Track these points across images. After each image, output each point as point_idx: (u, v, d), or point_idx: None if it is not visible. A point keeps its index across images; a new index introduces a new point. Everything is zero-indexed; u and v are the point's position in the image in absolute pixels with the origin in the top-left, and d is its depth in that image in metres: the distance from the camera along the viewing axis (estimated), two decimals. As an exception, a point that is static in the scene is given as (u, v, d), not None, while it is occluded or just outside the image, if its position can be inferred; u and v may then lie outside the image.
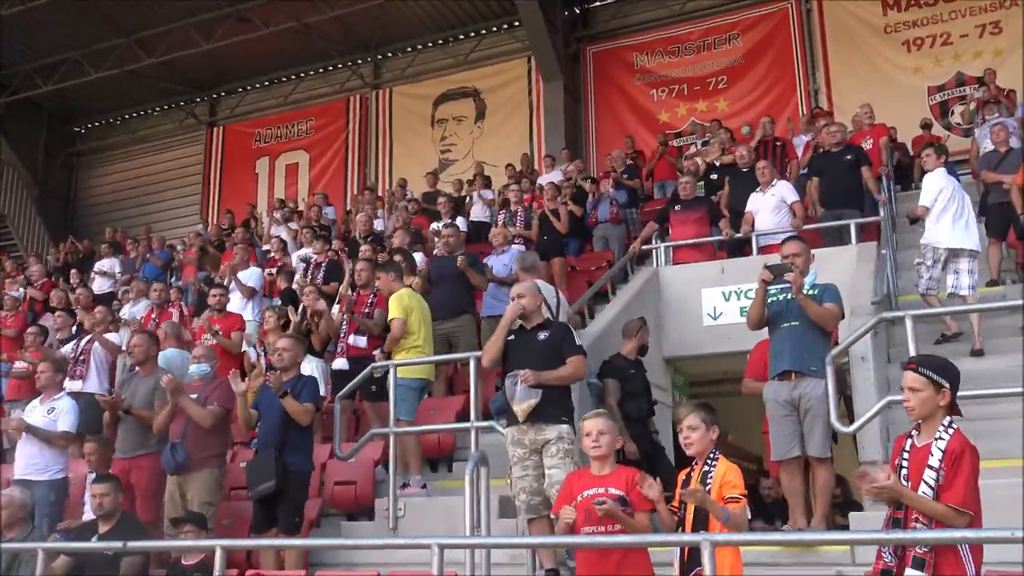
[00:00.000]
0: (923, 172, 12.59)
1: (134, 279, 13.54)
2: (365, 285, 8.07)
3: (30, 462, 6.97)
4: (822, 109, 12.44)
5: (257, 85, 20.94)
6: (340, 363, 7.76)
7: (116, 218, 21.05)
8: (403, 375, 6.79)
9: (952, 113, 14.91)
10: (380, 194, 16.20)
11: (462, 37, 18.94)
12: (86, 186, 22.65)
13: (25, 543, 6.02)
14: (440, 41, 19.11)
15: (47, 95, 20.78)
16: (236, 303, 10.11)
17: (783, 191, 8.69)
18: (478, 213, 13.62)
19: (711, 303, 8.80)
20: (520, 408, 5.38)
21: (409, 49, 19.47)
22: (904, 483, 3.52)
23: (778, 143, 11.41)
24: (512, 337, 5.76)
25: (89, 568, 5.80)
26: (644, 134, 16.50)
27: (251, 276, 10.26)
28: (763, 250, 8.87)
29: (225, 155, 21.04)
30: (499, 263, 8.99)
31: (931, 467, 3.50)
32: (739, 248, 9.50)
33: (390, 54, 19.76)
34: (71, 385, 8.55)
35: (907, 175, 12.41)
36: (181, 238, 17.06)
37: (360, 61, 19.88)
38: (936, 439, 3.55)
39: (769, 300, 5.59)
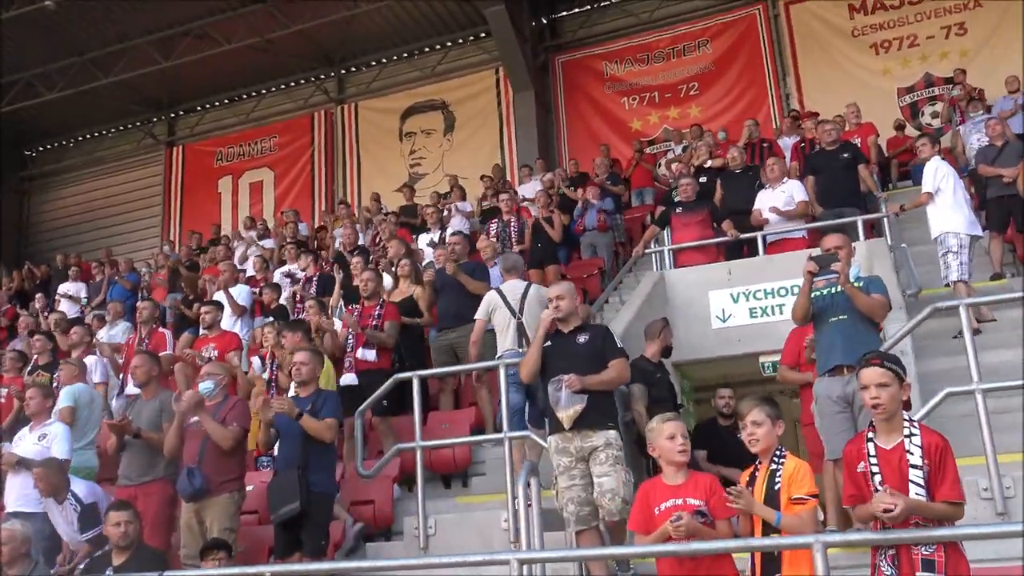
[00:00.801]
0: (900, 171, 12.98)
1: (109, 301, 13.13)
2: (371, 296, 7.79)
3: (22, 493, 6.55)
4: (806, 111, 12.46)
5: (217, 103, 20.49)
6: (349, 378, 7.46)
7: (72, 243, 20.41)
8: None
9: (922, 114, 15.09)
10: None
11: (428, 49, 18.76)
12: (39, 211, 21.93)
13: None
14: (406, 54, 18.93)
15: (-3, 116, 20.14)
16: (225, 322, 9.72)
17: (793, 189, 8.61)
18: (457, 225, 13.38)
19: (719, 305, 8.67)
20: (566, 415, 5.16)
21: (374, 63, 19.23)
22: (879, 488, 3.45)
23: (764, 144, 11.37)
24: (549, 343, 5.54)
25: (105, 604, 5.43)
26: (617, 142, 16.45)
27: (240, 293, 9.90)
28: (769, 248, 8.78)
29: (186, 175, 20.53)
30: (493, 275, 8.77)
31: (915, 466, 3.46)
32: (737, 249, 9.41)
33: (354, 68, 19.50)
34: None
35: (885, 175, 12.48)
36: (146, 260, 16.58)
37: (324, 76, 19.58)
38: (907, 436, 3.52)
39: (813, 295, 5.45)
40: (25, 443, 6.72)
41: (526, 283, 7.40)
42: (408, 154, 18.71)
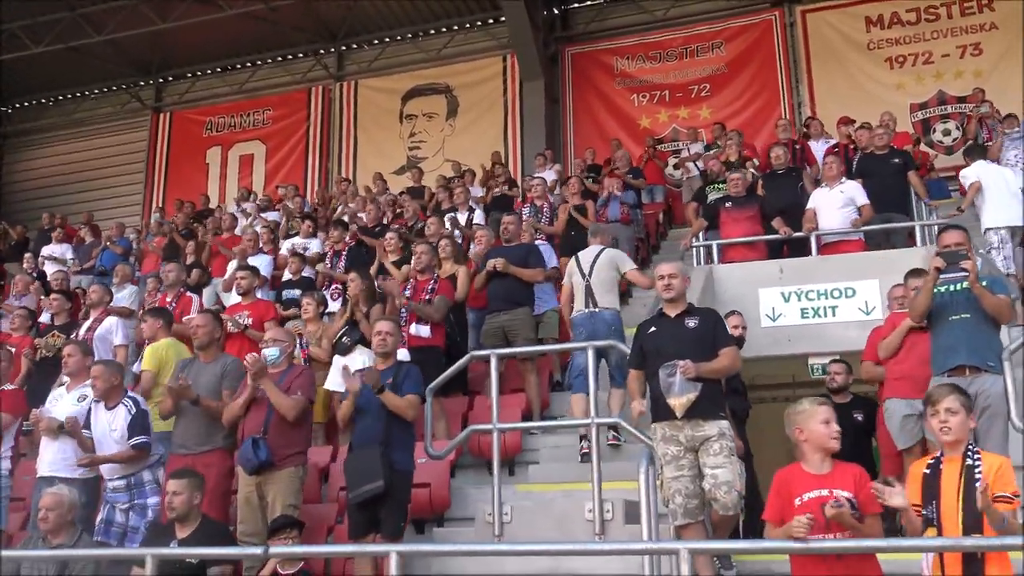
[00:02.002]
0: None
1: (99, 266, 12.61)
2: (424, 270, 7.45)
3: (58, 457, 6.10)
4: (842, 116, 12.37)
5: (209, 71, 19.82)
6: (401, 354, 7.08)
7: (47, 205, 19.48)
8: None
9: (933, 131, 15.15)
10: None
11: (433, 32, 18.36)
12: (13, 170, 21.02)
13: (93, 550, 5.23)
14: (410, 35, 18.47)
15: (-27, 68, 19.27)
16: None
17: (853, 191, 8.46)
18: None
19: (769, 304, 8.50)
20: (679, 402, 4.90)
21: (376, 41, 18.77)
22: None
23: (797, 146, 11.25)
24: (653, 329, 5.29)
25: (168, 579, 5.02)
26: (625, 138, 16.17)
27: (262, 264, 9.47)
28: (823, 249, 8.63)
29: (172, 143, 19.81)
30: (545, 251, 8.52)
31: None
32: (777, 248, 9.26)
33: (355, 45, 19.00)
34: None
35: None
36: (134, 227, 15.96)
37: (323, 51, 19.04)
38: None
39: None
40: (62, 404, 6.26)
41: (600, 247, 7.42)
42: (408, 136, 18.27)
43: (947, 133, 15.02)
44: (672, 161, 15.45)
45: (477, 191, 13.77)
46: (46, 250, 13.86)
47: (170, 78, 20.15)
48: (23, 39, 17.80)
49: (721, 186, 10.47)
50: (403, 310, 7.21)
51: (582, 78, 17.41)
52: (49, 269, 13.02)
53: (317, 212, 14.20)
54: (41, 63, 18.88)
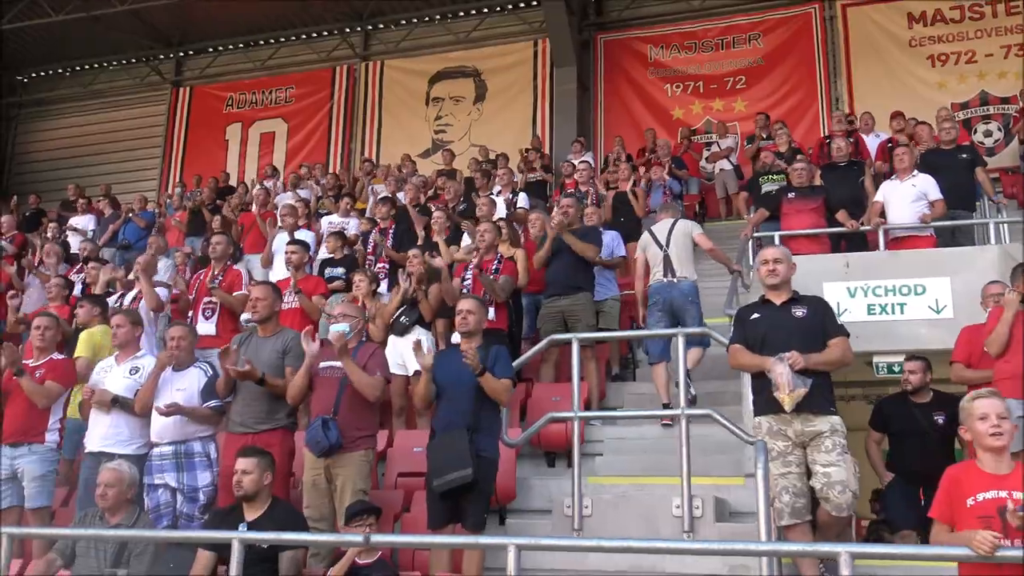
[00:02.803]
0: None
1: (122, 239, 12.29)
2: (488, 249, 7.14)
3: (111, 432, 5.78)
4: (894, 111, 12.07)
5: (231, 46, 19.44)
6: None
7: (61, 176, 19.27)
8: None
9: (975, 131, 14.85)
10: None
11: (463, 14, 17.99)
12: (26, 140, 20.64)
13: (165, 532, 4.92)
14: (439, 16, 18.12)
15: (-8, 36, 18.88)
16: (282, 268, 8.97)
17: (926, 185, 8.14)
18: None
19: (834, 299, 8.09)
20: (789, 396, 4.61)
21: (404, 22, 18.40)
22: None
23: (850, 139, 10.94)
24: (756, 316, 4.99)
25: (235, 564, 4.70)
26: (657, 129, 15.87)
27: (305, 238, 9.12)
28: (891, 244, 8.33)
29: (191, 118, 19.46)
30: (605, 239, 8.20)
31: None
32: (835, 241, 8.96)
33: (382, 25, 18.62)
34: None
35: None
36: (157, 201, 15.63)
37: (349, 30, 18.68)
38: None
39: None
40: (113, 377, 5.93)
41: (673, 219, 7.51)
42: (434, 119, 17.94)
43: (988, 134, 14.73)
44: (705, 154, 15.13)
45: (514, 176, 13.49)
46: (72, 221, 13.52)
47: (191, 52, 19.78)
48: (43, 5, 17.39)
49: (776, 177, 10.18)
50: (466, 290, 6.90)
51: (614, 66, 17.08)
52: (72, 240, 12.68)
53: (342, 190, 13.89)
54: (58, 32, 18.54)
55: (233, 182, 16.54)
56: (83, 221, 13.59)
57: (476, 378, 5.03)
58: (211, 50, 19.58)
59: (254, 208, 12.39)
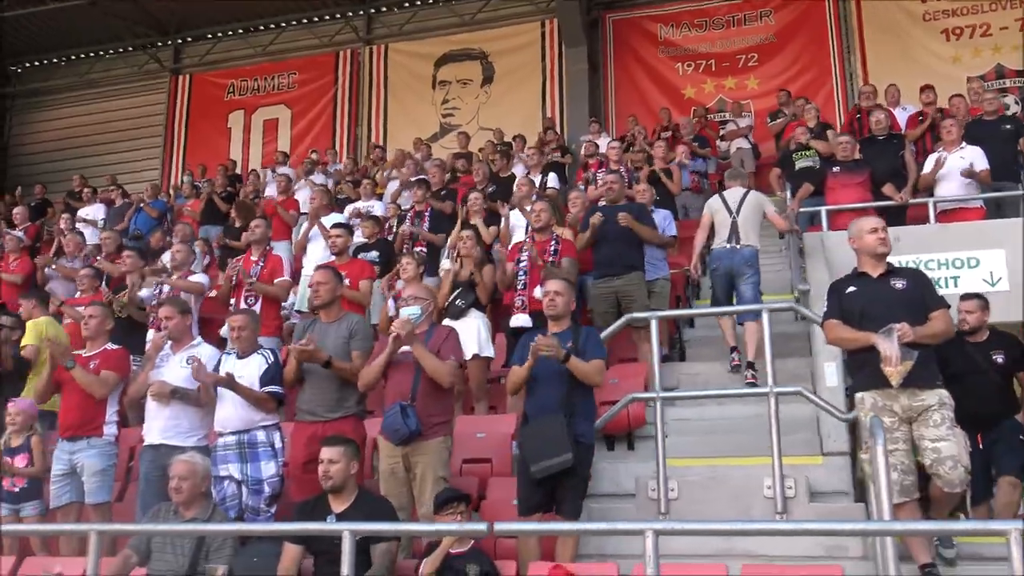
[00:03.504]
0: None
1: (134, 229, 12.04)
2: (543, 229, 6.95)
3: (170, 424, 5.57)
4: (924, 84, 11.92)
5: (230, 32, 19.06)
6: (522, 319, 6.65)
7: (57, 168, 18.96)
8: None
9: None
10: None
11: (467, -4, 17.74)
12: (21, 131, 20.22)
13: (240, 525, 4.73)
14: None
15: (-17, 26, 18.46)
16: (317, 254, 8.77)
17: (975, 156, 8.03)
18: (520, 173, 12.57)
19: (885, 273, 8.04)
20: (897, 370, 4.46)
21: (407, 4, 18.08)
22: None
23: (858, 115, 10.83)
24: (853, 288, 4.84)
25: (323, 557, 4.54)
26: (670, 108, 15.72)
27: (333, 223, 8.89)
28: (940, 217, 8.21)
29: (192, 106, 19.10)
30: (657, 218, 8.05)
31: None
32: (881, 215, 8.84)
33: (384, 8, 18.30)
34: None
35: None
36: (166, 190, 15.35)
37: (351, 14, 18.36)
38: None
39: None
40: (170, 368, 5.71)
41: (745, 189, 7.57)
42: (440, 103, 17.68)
43: (1007, 108, 14.60)
44: (720, 132, 14.96)
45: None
46: (81, 212, 13.24)
47: (189, 39, 19.40)
48: (38, -7, 17.02)
49: (808, 153, 10.03)
50: (522, 273, 6.71)
51: (623, 45, 16.87)
52: (85, 231, 12.40)
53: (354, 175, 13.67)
54: (53, 20, 18.15)
55: (238, 170, 16.32)
56: (92, 211, 13.29)
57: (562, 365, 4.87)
58: (210, 36, 19.19)
59: (273, 195, 12.18)
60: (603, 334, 5.84)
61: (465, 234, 7.15)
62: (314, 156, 15.25)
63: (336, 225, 7.84)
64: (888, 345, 4.44)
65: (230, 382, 5.34)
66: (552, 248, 6.88)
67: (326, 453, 4.66)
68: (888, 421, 4.54)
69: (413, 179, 10.41)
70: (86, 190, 14.36)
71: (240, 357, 5.56)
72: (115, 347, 6.00)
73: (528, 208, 8.51)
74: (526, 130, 14.98)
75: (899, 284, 4.75)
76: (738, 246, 7.20)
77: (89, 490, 5.62)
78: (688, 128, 12.58)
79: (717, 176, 13.64)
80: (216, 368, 5.56)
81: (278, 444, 5.46)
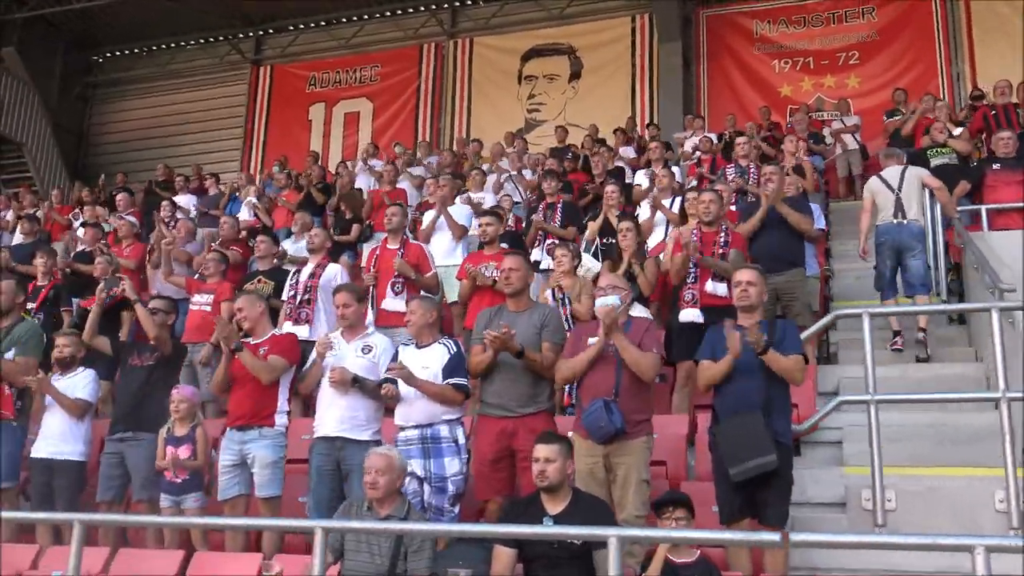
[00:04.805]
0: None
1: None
2: (712, 222, 6.62)
3: (347, 415, 5.30)
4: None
5: (312, 24, 18.94)
6: (692, 314, 6.29)
7: (135, 158, 19.01)
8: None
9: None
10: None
11: (556, -9, 17.45)
12: (101, 120, 20.27)
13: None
14: (531, -7, 17.57)
15: (67, 15, 18.51)
16: (443, 244, 8.46)
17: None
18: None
19: (1049, 276, 7.60)
20: None
21: (494, -2, 17.87)
22: None
23: (1019, 109, 10.37)
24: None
25: (538, 562, 4.23)
26: (769, 107, 15.28)
27: (461, 213, 8.64)
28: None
29: (272, 97, 19.01)
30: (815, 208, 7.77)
31: None
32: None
33: (470, 2, 18.08)
34: (297, 331, 6.75)
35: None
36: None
37: (436, 6, 18.14)
38: None
39: None
40: (345, 357, 5.43)
41: (902, 166, 7.71)
42: (526, 98, 17.42)
43: None
44: (826, 131, 14.51)
45: (629, 151, 12.98)
46: (176, 200, 13.10)
47: (271, 31, 19.32)
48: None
49: (945, 151, 9.62)
50: (692, 266, 6.38)
51: (718, 42, 16.51)
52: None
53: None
54: (136, 10, 18.11)
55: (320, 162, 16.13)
56: (183, 200, 13.14)
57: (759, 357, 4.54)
58: (292, 28, 19.11)
59: (363, 186, 11.99)
60: (805, 333, 5.49)
61: (624, 226, 6.83)
62: (397, 149, 15.02)
63: (485, 212, 7.55)
64: None
65: (408, 376, 5.07)
66: (722, 240, 6.53)
67: (542, 451, 4.35)
68: None
69: (540, 170, 10.11)
70: (177, 179, 14.22)
71: (420, 347, 5.29)
72: (283, 332, 5.75)
73: (665, 201, 8.22)
74: (614, 126, 14.63)
75: None
76: (904, 221, 7.28)
77: (259, 483, 5.37)
78: (803, 124, 12.15)
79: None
80: (394, 359, 5.28)
81: (461, 440, 5.18)
